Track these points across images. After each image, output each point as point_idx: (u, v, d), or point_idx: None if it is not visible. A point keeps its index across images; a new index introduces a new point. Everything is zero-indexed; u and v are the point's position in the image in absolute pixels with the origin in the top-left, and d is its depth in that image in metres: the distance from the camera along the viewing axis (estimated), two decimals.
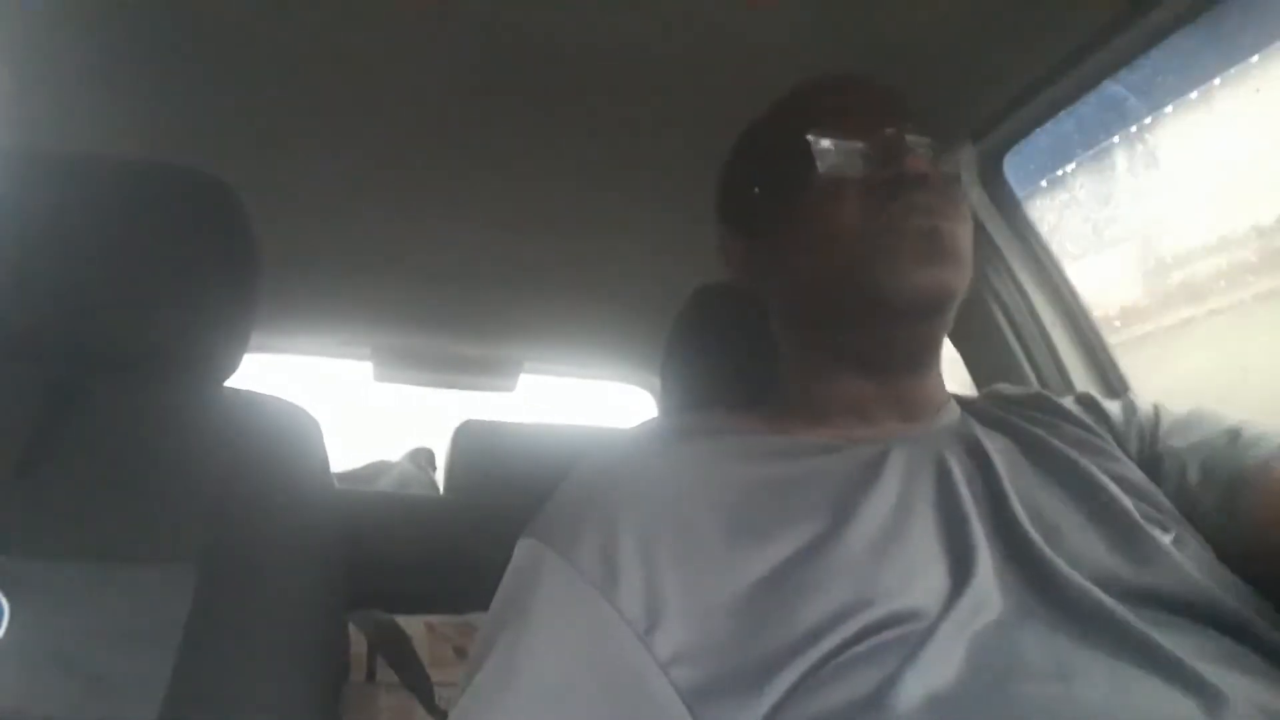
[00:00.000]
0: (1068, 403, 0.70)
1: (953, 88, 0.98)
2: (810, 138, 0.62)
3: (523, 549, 0.55)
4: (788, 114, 0.69)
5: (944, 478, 0.57)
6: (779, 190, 0.66)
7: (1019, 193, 1.12)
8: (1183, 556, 0.51)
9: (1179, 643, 0.44)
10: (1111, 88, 0.95)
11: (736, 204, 0.73)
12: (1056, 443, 0.61)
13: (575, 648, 0.48)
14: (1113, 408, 0.69)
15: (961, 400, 0.70)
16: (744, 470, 0.56)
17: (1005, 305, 1.14)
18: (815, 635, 0.45)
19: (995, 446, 0.61)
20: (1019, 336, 1.14)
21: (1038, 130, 1.04)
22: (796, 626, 0.45)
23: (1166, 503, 0.58)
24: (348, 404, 2.02)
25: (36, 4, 0.88)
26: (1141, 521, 0.53)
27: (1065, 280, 1.11)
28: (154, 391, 0.72)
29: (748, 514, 0.52)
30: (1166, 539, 0.53)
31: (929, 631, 0.45)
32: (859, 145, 0.62)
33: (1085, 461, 0.59)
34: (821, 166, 0.61)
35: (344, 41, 0.95)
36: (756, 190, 0.69)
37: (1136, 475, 0.60)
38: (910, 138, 0.61)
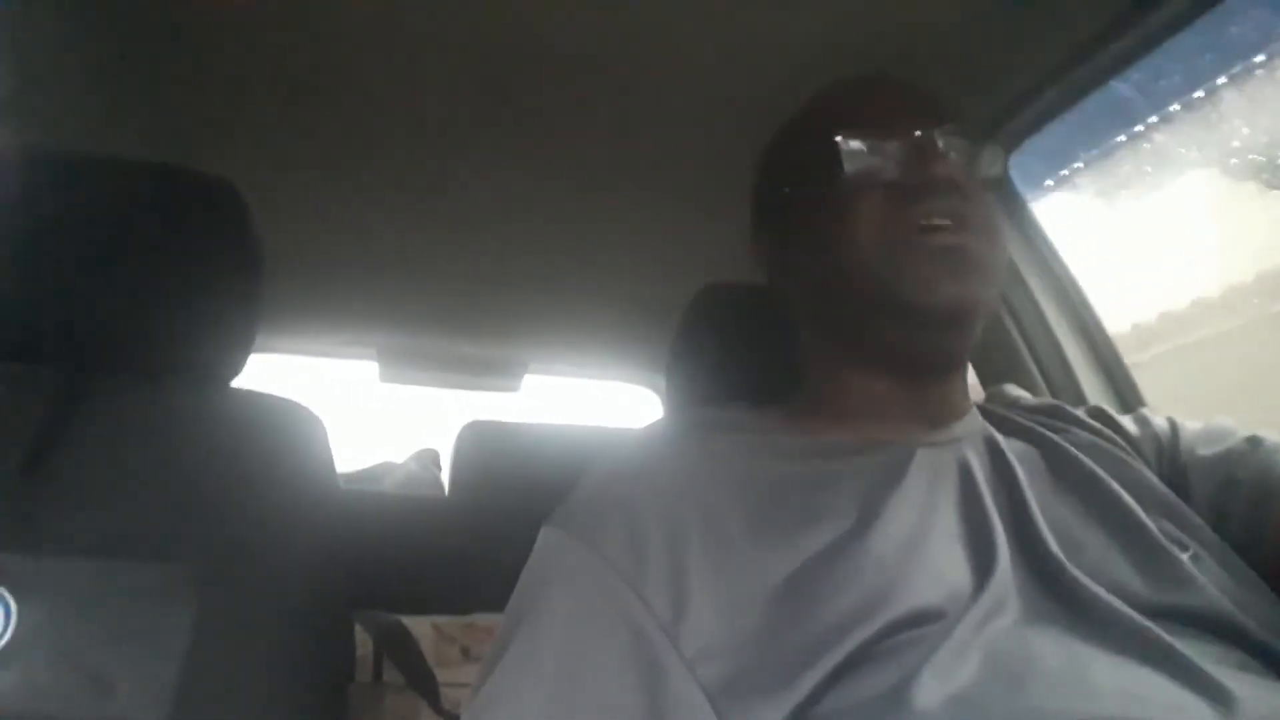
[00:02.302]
0: (1081, 414, 0.70)
1: (957, 88, 0.97)
2: (839, 138, 0.61)
3: (546, 537, 0.55)
4: (819, 112, 0.68)
5: (968, 482, 0.57)
6: (809, 190, 0.65)
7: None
8: (1201, 574, 0.51)
9: (1193, 650, 0.44)
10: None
11: (768, 202, 0.72)
12: (1076, 452, 0.61)
13: (600, 637, 0.48)
14: (1126, 420, 0.69)
15: (982, 408, 0.70)
16: (771, 467, 0.56)
17: (1012, 307, 1.14)
18: (839, 633, 0.45)
19: (1017, 454, 0.61)
20: (1025, 338, 1.13)
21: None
22: (821, 624, 0.45)
23: (1187, 512, 0.58)
24: (354, 404, 2.02)
25: (38, 4, 0.88)
26: (1161, 539, 0.53)
27: (1072, 282, 1.11)
28: (159, 391, 0.72)
29: (775, 512, 0.52)
30: (1184, 556, 0.53)
31: (946, 631, 0.45)
32: (888, 147, 0.60)
33: (1105, 475, 0.58)
34: (849, 167, 0.61)
35: (348, 42, 0.95)
36: (787, 189, 0.68)
37: (1155, 484, 0.60)
38: (942, 141, 0.60)
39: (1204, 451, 0.64)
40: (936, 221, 0.58)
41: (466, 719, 0.48)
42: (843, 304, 0.63)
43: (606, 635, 0.48)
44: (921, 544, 0.51)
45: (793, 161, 0.69)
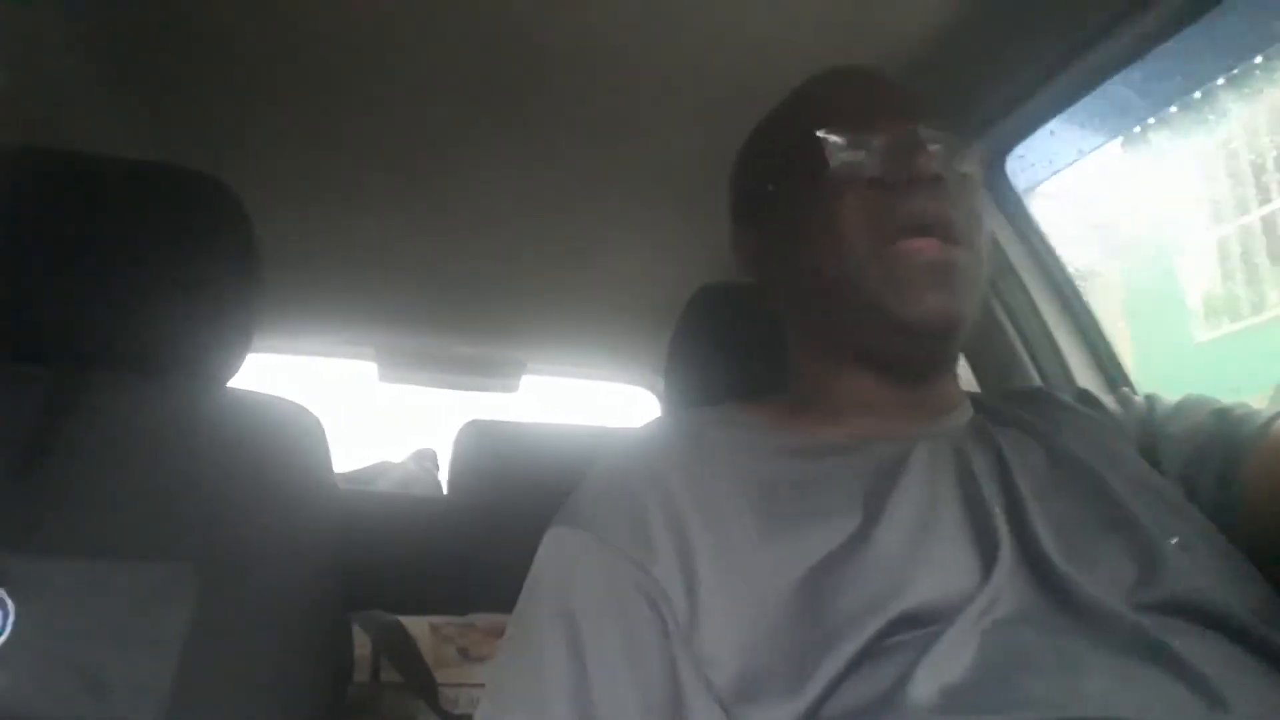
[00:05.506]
0: (1068, 399, 0.70)
1: (953, 86, 0.97)
2: (822, 133, 0.60)
3: (555, 535, 0.55)
4: (801, 108, 0.67)
5: (966, 473, 0.56)
6: (791, 186, 0.64)
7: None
8: (1190, 562, 0.51)
9: (1184, 645, 0.44)
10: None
11: (749, 199, 0.71)
12: (1068, 440, 0.61)
13: (618, 630, 0.48)
14: (1110, 402, 0.69)
15: (974, 398, 0.69)
16: (771, 466, 0.56)
17: (1009, 305, 1.14)
18: (849, 631, 0.45)
19: (1011, 443, 0.60)
20: (1023, 336, 1.13)
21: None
22: (831, 623, 0.45)
23: (1174, 493, 0.58)
24: (352, 404, 2.02)
25: (38, 4, 0.88)
26: (1151, 529, 0.53)
27: (1068, 279, 1.11)
28: (156, 391, 0.72)
29: (781, 512, 0.52)
30: (1173, 542, 0.52)
31: (946, 626, 0.45)
32: (871, 141, 0.59)
33: (1096, 463, 0.58)
34: (833, 163, 0.59)
35: (348, 42, 0.95)
36: (769, 186, 0.67)
37: (1143, 467, 0.60)
38: (924, 135, 0.59)
39: (1173, 428, 0.63)
40: (919, 228, 0.57)
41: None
42: (827, 307, 0.62)
43: (625, 627, 0.48)
44: (926, 540, 0.50)
45: (773, 158, 0.67)
